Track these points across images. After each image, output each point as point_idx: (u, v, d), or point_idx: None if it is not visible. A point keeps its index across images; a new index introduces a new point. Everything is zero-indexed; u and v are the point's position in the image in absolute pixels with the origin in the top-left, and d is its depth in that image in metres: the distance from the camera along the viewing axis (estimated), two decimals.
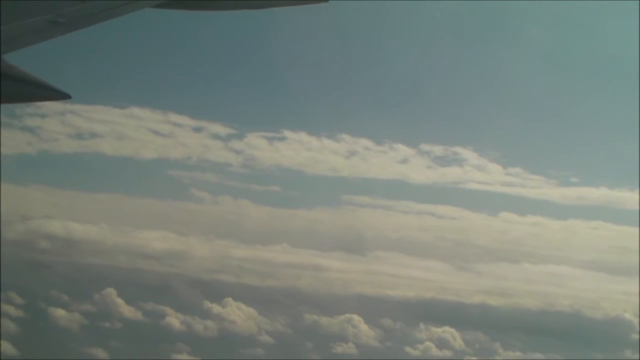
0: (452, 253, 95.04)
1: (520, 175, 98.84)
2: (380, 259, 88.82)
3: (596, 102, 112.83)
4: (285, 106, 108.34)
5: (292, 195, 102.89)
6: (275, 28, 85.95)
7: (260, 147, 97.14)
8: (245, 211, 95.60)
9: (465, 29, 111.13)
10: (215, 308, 71.73)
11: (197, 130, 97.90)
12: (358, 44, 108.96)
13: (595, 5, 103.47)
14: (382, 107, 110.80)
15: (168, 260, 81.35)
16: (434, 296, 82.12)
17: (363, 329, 72.57)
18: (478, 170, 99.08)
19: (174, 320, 69.77)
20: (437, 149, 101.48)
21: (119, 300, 69.99)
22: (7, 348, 61.86)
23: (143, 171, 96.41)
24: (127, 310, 69.63)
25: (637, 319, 75.39)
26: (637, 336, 74.01)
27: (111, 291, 70.43)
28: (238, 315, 71.75)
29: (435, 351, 72.28)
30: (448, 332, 73.22)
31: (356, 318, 73.26)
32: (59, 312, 67.61)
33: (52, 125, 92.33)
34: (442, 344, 72.68)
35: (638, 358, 69.54)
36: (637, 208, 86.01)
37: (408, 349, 72.65)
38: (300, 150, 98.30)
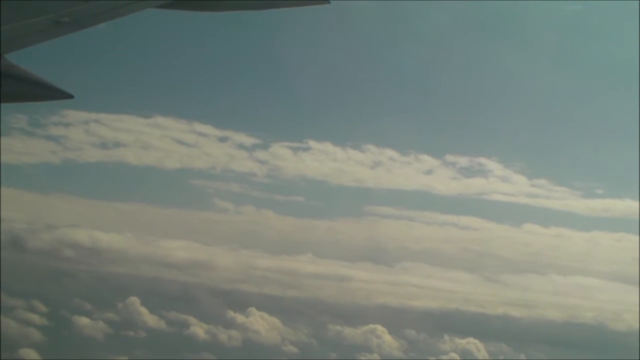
0: (475, 264, 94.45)
1: (545, 187, 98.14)
2: (405, 269, 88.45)
3: (623, 114, 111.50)
4: (310, 116, 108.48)
5: (316, 205, 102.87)
6: (283, 30, 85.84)
7: (284, 158, 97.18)
8: (269, 221, 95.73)
9: (484, 32, 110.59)
10: (239, 318, 71.81)
11: (222, 140, 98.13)
12: (372, 48, 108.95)
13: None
14: (407, 117, 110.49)
15: (191, 270, 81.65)
16: (457, 307, 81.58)
17: (387, 340, 72.25)
18: (503, 182, 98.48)
19: (199, 329, 69.87)
20: (462, 160, 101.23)
21: (143, 309, 70.34)
22: (32, 355, 62.34)
23: (167, 181, 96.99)
24: (151, 319, 69.89)
25: None
26: None
27: (135, 300, 70.76)
28: (262, 325, 71.75)
29: None
30: (472, 344, 72.69)
31: (380, 329, 73.00)
32: (83, 321, 68.06)
33: (76, 134, 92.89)
34: (466, 355, 72.19)
35: None
36: None
37: None
38: (325, 161, 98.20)
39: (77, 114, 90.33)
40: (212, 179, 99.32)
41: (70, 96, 8.18)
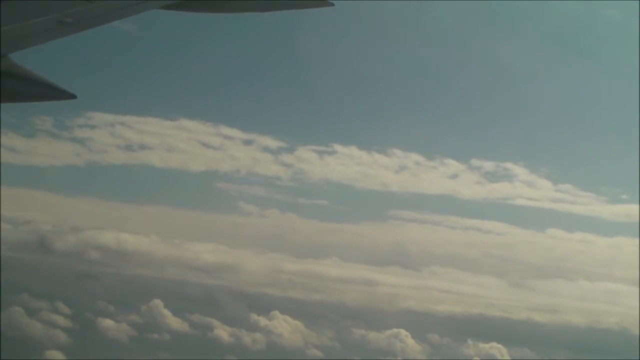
0: (499, 269, 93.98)
1: (571, 192, 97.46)
2: (432, 274, 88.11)
3: None
4: (336, 119, 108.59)
5: (340, 209, 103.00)
6: (303, 33, 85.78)
7: (310, 161, 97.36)
8: (293, 224, 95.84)
9: (510, 34, 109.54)
10: (262, 321, 71.79)
11: (248, 142, 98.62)
12: (392, 50, 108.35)
13: None
14: (434, 121, 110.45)
15: (214, 273, 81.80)
16: (481, 312, 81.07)
17: (410, 344, 71.92)
18: (528, 187, 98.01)
19: (223, 332, 69.91)
20: (488, 165, 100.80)
21: (166, 312, 70.49)
22: (58, 357, 62.72)
23: (192, 183, 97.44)
24: (174, 322, 70.03)
25: None
26: None
27: (158, 302, 70.90)
28: (285, 328, 71.68)
29: None
30: (495, 348, 72.13)
31: (404, 333, 72.65)
32: (107, 323, 68.28)
33: (101, 137, 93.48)
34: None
35: None
36: None
37: None
38: (351, 165, 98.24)
39: (103, 116, 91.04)
40: (236, 182, 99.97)
41: (74, 96, 8.19)
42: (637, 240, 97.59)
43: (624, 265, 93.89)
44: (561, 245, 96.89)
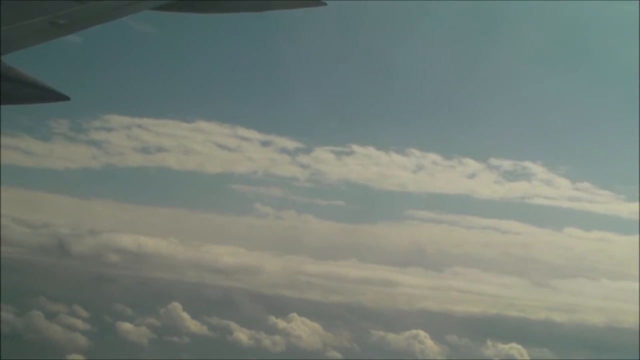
0: (516, 268, 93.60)
1: (589, 190, 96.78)
2: (454, 274, 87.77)
3: None
4: (354, 120, 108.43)
5: (356, 210, 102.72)
6: (319, 34, 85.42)
7: (327, 162, 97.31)
8: (309, 226, 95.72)
9: (523, 34, 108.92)
10: (280, 323, 71.77)
11: (265, 144, 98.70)
12: (406, 50, 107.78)
13: None
14: (452, 121, 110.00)
15: (232, 275, 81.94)
16: (499, 312, 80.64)
17: (429, 345, 71.66)
18: (546, 185, 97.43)
19: (242, 335, 69.93)
20: (507, 164, 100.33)
21: (184, 315, 70.50)
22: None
23: (208, 185, 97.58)
24: (193, 325, 70.13)
25: None
26: None
27: (176, 305, 70.95)
28: (303, 330, 71.63)
29: None
30: (515, 349, 71.73)
31: (422, 334, 72.42)
32: (126, 326, 68.45)
33: (118, 139, 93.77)
34: None
35: None
36: None
37: None
38: (368, 165, 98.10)
39: (120, 119, 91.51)
40: (253, 183, 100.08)
41: (67, 98, 8.16)
42: None
43: None
44: (578, 244, 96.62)
